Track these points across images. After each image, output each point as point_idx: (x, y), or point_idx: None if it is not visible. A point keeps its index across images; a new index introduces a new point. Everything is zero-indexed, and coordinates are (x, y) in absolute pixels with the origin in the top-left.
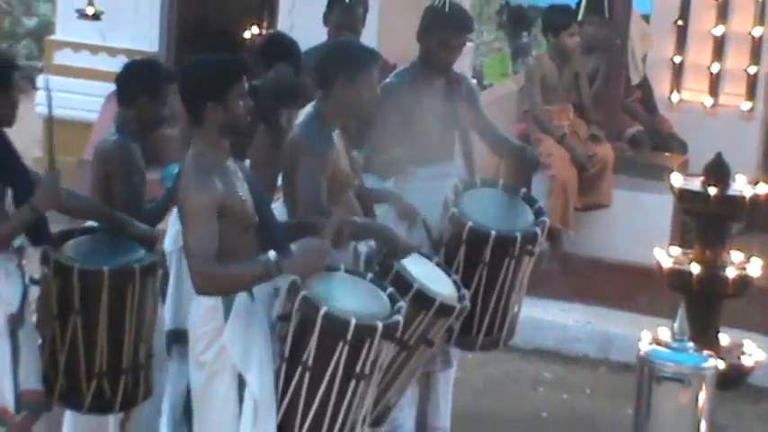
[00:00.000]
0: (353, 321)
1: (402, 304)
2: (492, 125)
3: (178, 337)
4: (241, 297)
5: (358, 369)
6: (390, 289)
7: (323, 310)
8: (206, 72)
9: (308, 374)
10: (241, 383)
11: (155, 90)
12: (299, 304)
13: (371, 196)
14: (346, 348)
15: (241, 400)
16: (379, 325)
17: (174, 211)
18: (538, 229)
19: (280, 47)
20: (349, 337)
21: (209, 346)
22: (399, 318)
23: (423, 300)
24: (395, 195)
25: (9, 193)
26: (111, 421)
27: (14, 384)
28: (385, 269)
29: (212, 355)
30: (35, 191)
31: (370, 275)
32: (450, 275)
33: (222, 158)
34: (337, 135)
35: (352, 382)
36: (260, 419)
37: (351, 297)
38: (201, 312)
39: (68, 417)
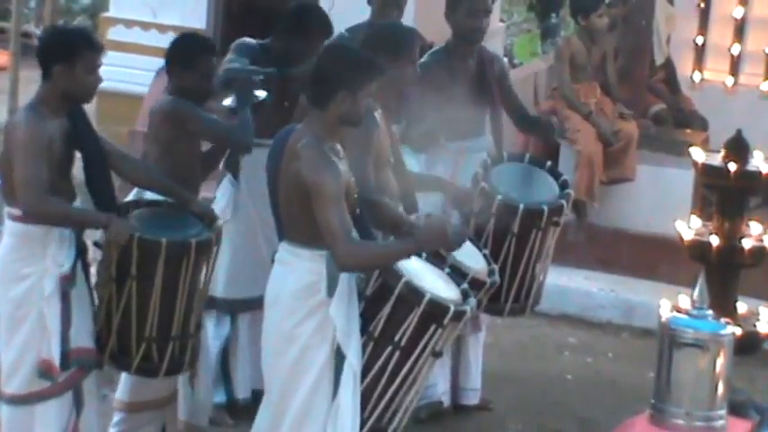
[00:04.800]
0: (452, 308)
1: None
2: (520, 103)
3: (209, 304)
4: (345, 274)
5: (439, 348)
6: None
7: (427, 297)
8: (350, 62)
9: (397, 353)
10: (338, 356)
11: (188, 62)
12: (403, 288)
13: (416, 182)
14: (439, 331)
15: (336, 372)
16: (468, 310)
17: (224, 182)
18: (563, 201)
19: (302, 21)
20: (445, 321)
21: (307, 320)
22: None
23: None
24: (447, 183)
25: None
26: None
27: (62, 342)
28: None
29: (310, 329)
30: (121, 220)
31: (447, 269)
32: (481, 250)
33: (336, 144)
34: (380, 114)
35: (431, 360)
36: (357, 392)
37: (436, 282)
38: (302, 286)
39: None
